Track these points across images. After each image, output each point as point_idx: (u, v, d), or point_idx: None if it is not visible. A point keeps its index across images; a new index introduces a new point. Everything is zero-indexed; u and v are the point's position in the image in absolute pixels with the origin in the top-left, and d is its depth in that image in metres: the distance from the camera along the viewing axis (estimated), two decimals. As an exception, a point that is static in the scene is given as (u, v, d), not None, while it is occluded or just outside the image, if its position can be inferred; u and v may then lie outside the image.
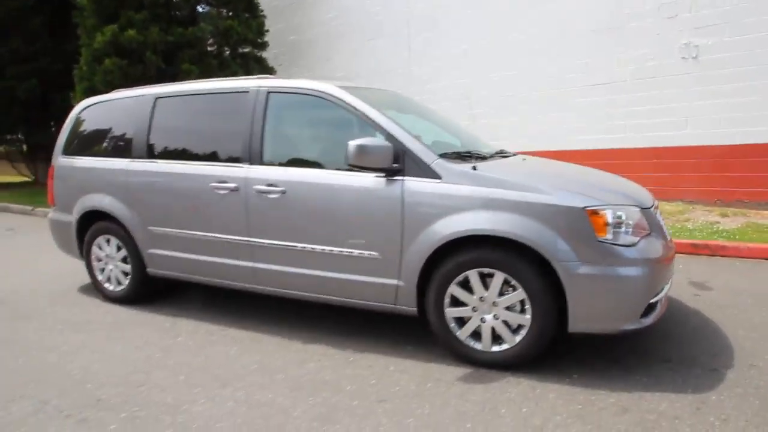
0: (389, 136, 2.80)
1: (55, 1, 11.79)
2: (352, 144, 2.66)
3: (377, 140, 2.71)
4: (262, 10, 10.13)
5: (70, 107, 4.74)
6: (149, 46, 8.27)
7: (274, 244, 3.14)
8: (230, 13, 9.35)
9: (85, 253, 4.06)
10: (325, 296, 3.11)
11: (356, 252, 2.89)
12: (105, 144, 3.98)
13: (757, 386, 2.41)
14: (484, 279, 2.63)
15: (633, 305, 2.48)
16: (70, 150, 4.13)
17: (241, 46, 9.62)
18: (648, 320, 2.54)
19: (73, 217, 4.03)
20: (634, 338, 2.88)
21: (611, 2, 7.17)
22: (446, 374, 2.64)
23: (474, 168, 2.70)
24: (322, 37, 11.02)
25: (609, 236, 2.45)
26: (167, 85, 3.80)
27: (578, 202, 2.48)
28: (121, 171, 3.73)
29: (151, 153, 3.64)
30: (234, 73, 9.46)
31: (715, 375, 2.54)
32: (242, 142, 3.24)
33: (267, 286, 3.28)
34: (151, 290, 3.94)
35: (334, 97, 3.05)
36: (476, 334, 2.71)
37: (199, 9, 9.24)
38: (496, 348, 2.66)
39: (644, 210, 2.64)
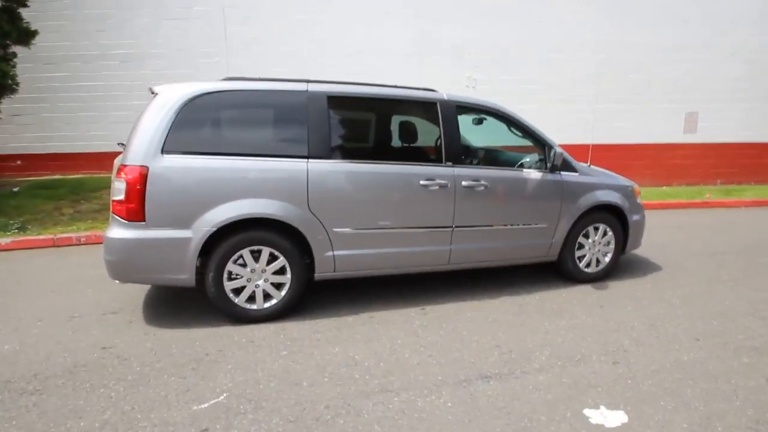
0: (549, 145, 4.24)
1: None
2: (557, 150, 4.01)
3: (560, 149, 4.13)
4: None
5: None
6: None
7: (473, 227, 3.98)
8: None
9: (214, 273, 3.36)
10: (498, 260, 4.22)
11: (533, 224, 4.21)
12: (249, 141, 3.40)
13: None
14: (596, 230, 4.53)
15: (641, 235, 4.94)
16: (177, 149, 3.24)
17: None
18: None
19: (196, 232, 3.28)
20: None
21: (419, 38, 9.62)
22: (591, 290, 4.39)
23: (589, 165, 4.52)
24: (88, 3, 8.92)
25: (638, 200, 4.81)
26: (328, 84, 3.66)
27: (630, 183, 4.74)
28: (297, 171, 3.43)
29: (336, 153, 3.55)
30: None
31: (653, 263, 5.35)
32: (445, 145, 3.84)
33: (457, 263, 4.04)
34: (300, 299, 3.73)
35: (507, 114, 4.17)
36: (588, 264, 4.57)
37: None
38: (596, 269, 4.62)
39: (631, 185, 5.15)
